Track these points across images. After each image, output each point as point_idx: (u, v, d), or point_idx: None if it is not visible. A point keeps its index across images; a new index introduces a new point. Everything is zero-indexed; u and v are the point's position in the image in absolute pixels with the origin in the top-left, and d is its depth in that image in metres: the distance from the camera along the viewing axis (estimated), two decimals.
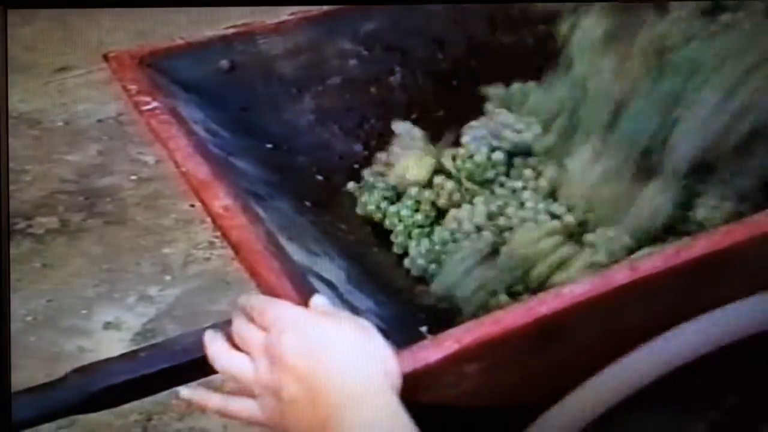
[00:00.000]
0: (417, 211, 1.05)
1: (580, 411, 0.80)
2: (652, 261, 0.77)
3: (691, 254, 0.76)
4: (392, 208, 1.06)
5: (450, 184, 1.05)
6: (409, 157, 1.09)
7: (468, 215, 1.00)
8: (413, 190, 1.07)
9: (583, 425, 0.80)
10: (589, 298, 0.73)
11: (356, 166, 1.15)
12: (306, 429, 0.65)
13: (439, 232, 1.01)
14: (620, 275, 0.75)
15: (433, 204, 1.06)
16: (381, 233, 1.07)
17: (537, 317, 0.72)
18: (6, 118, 0.84)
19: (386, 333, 0.78)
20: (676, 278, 0.77)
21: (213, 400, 0.74)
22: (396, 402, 0.64)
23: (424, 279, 1.01)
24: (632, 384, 0.79)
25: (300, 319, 0.69)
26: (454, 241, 0.99)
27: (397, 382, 0.66)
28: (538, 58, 1.16)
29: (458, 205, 1.04)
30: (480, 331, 0.72)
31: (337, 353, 0.66)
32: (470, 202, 1.03)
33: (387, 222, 1.07)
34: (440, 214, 1.06)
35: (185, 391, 0.77)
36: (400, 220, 1.05)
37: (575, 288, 0.74)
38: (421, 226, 1.04)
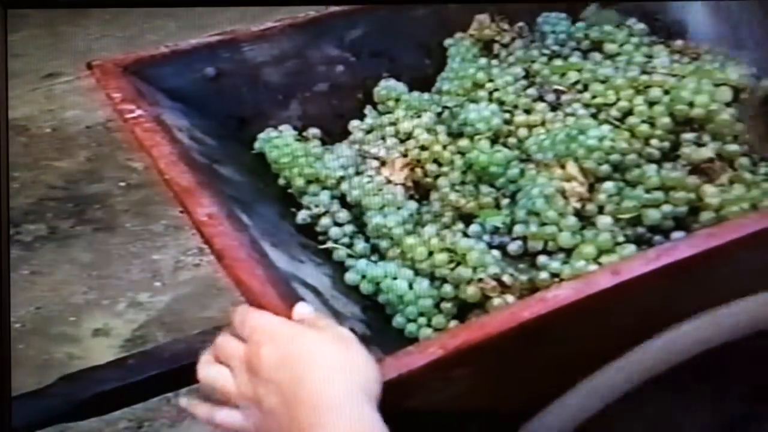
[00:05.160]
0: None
1: (576, 409, 0.80)
2: (634, 265, 0.77)
3: (672, 258, 0.77)
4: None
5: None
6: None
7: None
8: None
9: (579, 424, 0.80)
10: (572, 302, 0.74)
11: None
12: None
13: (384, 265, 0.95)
14: (603, 279, 0.76)
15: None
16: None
17: (521, 322, 0.73)
18: (6, 116, 0.84)
19: (372, 339, 0.78)
20: (658, 281, 0.77)
21: (201, 410, 0.74)
22: (372, 414, 0.64)
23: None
24: (627, 383, 0.79)
25: (278, 330, 0.70)
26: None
27: (376, 392, 0.66)
28: None
29: None
30: (464, 337, 0.72)
31: (313, 365, 0.66)
32: None
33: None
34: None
35: (183, 400, 0.77)
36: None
37: (559, 292, 0.75)
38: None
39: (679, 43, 1.16)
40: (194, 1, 1.23)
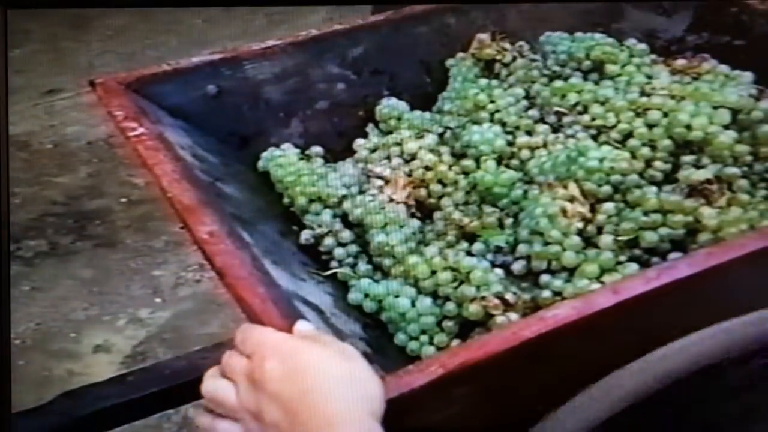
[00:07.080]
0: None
1: (587, 413, 0.80)
2: (634, 284, 0.77)
3: (671, 277, 0.77)
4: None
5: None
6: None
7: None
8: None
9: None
10: (572, 321, 0.74)
11: None
12: None
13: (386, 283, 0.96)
14: (602, 298, 0.76)
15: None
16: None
17: (521, 341, 0.73)
18: (7, 132, 0.84)
19: (372, 358, 0.78)
20: (658, 300, 0.78)
21: (204, 420, 0.74)
22: (375, 428, 0.65)
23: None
24: (632, 393, 0.79)
25: (282, 344, 0.70)
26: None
27: (380, 407, 0.67)
28: None
29: None
30: (465, 356, 0.72)
31: (317, 379, 0.67)
32: None
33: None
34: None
35: (191, 410, 0.78)
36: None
37: (559, 312, 0.75)
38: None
39: (680, 62, 1.16)
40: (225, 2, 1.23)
